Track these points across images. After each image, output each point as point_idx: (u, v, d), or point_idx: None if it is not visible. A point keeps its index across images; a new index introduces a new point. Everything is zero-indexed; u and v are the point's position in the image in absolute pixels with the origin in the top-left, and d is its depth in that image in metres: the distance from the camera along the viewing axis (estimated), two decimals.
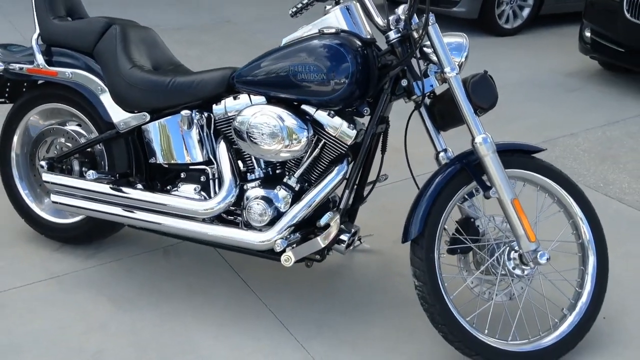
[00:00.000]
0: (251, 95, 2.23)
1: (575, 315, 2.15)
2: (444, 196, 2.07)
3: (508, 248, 2.13)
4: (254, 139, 2.14)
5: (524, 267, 2.10)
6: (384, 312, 2.39)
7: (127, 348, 2.18)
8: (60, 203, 2.47)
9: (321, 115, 2.14)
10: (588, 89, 5.04)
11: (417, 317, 2.30)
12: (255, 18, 6.95)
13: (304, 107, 2.17)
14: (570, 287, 2.23)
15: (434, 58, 2.12)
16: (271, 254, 2.24)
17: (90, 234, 2.66)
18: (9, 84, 2.68)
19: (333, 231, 2.10)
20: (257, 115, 2.13)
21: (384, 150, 2.35)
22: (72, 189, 2.43)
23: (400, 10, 2.12)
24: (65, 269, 2.58)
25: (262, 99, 2.21)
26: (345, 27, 2.13)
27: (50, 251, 2.69)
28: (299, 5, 2.37)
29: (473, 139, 2.05)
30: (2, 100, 2.71)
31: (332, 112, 2.14)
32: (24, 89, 2.67)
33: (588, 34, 5.11)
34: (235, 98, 2.26)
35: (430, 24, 2.03)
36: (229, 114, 2.26)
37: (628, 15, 4.63)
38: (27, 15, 3.20)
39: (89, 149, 2.55)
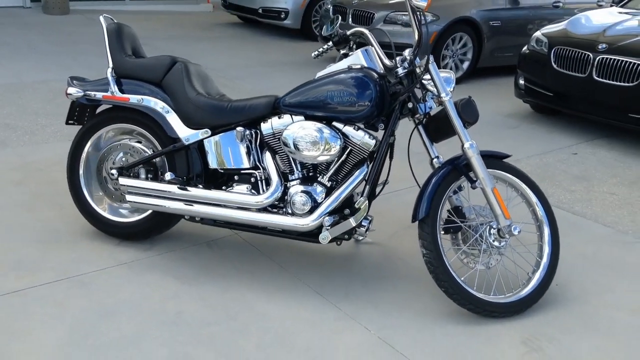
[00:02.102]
0: (292, 115, 2.93)
1: (538, 276, 2.91)
2: (441, 188, 2.82)
3: (488, 227, 2.88)
4: (300, 147, 2.83)
5: (500, 239, 2.86)
6: (393, 282, 3.08)
7: (201, 310, 2.77)
8: (135, 202, 3.07)
9: (348, 129, 2.86)
10: (524, 127, 6.00)
11: (419, 285, 3.01)
12: (227, 65, 7.68)
13: (334, 123, 2.88)
14: (532, 258, 3.00)
15: (430, 87, 2.91)
16: (308, 236, 2.92)
17: (149, 230, 3.24)
18: (77, 109, 3.28)
19: (363, 213, 2.80)
20: (302, 129, 2.83)
21: (391, 157, 3.08)
22: (146, 190, 3.04)
23: (407, 52, 2.90)
24: (130, 257, 3.15)
25: (301, 117, 2.92)
26: (366, 64, 2.89)
27: (112, 245, 3.25)
28: (320, 50, 3.18)
29: (462, 145, 2.82)
30: (72, 122, 3.30)
31: (356, 126, 2.87)
32: (86, 114, 3.27)
33: (522, 82, 6.11)
34: (279, 117, 2.95)
35: (429, 63, 2.82)
36: (275, 130, 2.95)
37: (555, 66, 5.64)
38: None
39: (153, 160, 3.16)
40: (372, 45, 3.03)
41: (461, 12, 7.45)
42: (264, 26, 10.82)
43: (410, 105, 2.90)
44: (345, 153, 2.90)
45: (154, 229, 3.24)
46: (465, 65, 7.76)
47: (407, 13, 7.31)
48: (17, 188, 3.84)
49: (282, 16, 9.68)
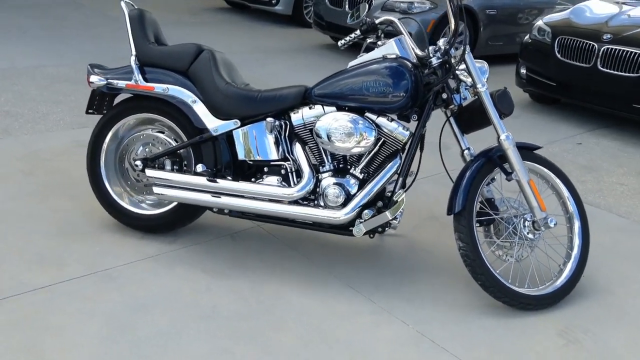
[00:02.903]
0: (324, 106, 2.88)
1: (570, 268, 2.92)
2: (476, 181, 2.81)
3: (522, 219, 2.88)
4: (334, 138, 2.78)
5: (535, 231, 2.86)
6: (421, 274, 3.07)
7: (235, 303, 2.72)
8: (163, 194, 2.99)
9: (382, 120, 2.82)
10: (525, 117, 6.03)
11: (448, 277, 3.01)
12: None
13: (367, 114, 2.84)
14: (562, 249, 3.01)
15: (462, 77, 2.88)
16: (340, 229, 2.89)
17: (173, 223, 3.17)
18: (97, 98, 3.19)
19: (400, 206, 2.77)
20: (336, 120, 2.79)
21: (422, 149, 3.05)
22: (175, 182, 2.97)
23: (441, 42, 2.87)
24: (155, 251, 3.08)
25: (333, 108, 2.87)
26: (400, 54, 2.85)
27: (136, 238, 3.17)
28: (348, 39, 3.14)
29: (498, 136, 2.80)
30: (92, 111, 3.20)
31: (389, 117, 2.83)
32: (105, 103, 3.17)
33: (524, 71, 6.12)
34: (310, 108, 2.90)
35: (466, 53, 2.79)
36: (306, 121, 2.90)
37: (559, 56, 5.67)
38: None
39: (178, 151, 3.09)
40: (403, 34, 2.99)
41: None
42: (253, 12, 10.70)
43: (444, 96, 2.87)
44: (378, 145, 2.86)
45: (179, 221, 3.17)
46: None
47: (406, 1, 7.34)
48: (27, 178, 3.73)
49: (273, 2, 9.57)
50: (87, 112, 3.20)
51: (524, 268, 2.97)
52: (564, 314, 2.84)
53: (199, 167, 2.97)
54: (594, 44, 5.38)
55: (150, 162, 3.09)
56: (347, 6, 7.66)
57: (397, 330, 2.64)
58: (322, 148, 2.90)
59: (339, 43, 3.23)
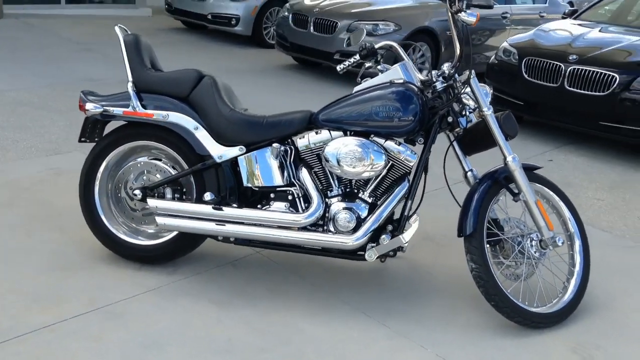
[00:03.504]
0: (330, 131, 2.86)
1: (574, 284, 2.98)
2: (485, 202, 2.83)
3: (529, 238, 2.92)
4: (345, 163, 2.76)
5: (542, 250, 2.90)
6: (428, 295, 3.07)
7: (249, 335, 2.65)
8: (166, 224, 2.90)
9: (390, 144, 2.82)
10: None
11: (456, 298, 3.02)
12: None
13: (374, 138, 2.84)
14: (565, 266, 3.06)
15: (464, 100, 2.92)
16: (350, 254, 2.86)
17: (173, 253, 3.07)
18: (90, 126, 3.07)
19: (414, 228, 2.76)
20: (346, 145, 2.77)
21: (426, 172, 3.06)
22: (179, 211, 2.88)
23: (445, 66, 2.90)
24: (156, 283, 2.97)
25: (340, 133, 2.86)
26: (405, 79, 2.86)
27: (133, 270, 3.05)
28: (347, 64, 3.14)
29: (505, 158, 2.84)
30: (84, 140, 3.08)
31: (397, 141, 2.84)
32: (97, 131, 3.06)
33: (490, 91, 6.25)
34: (317, 133, 2.88)
35: (471, 77, 2.83)
36: (312, 146, 2.87)
37: (526, 76, 5.83)
38: None
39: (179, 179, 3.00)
40: (403, 59, 3.02)
41: (420, 21, 7.59)
42: (210, 32, 10.61)
43: (450, 119, 2.89)
44: (386, 168, 2.85)
45: (179, 251, 3.08)
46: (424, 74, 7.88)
47: (370, 22, 7.42)
48: (8, 210, 3.55)
49: (232, 22, 9.52)
50: (79, 141, 3.08)
51: (532, 286, 3.00)
52: (573, 330, 2.89)
53: (207, 196, 2.89)
54: (561, 64, 5.57)
55: (149, 191, 2.99)
56: (311, 28, 7.69)
57: (417, 355, 2.62)
58: (330, 172, 2.88)
59: (338, 68, 3.22)
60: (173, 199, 3.00)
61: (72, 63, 7.24)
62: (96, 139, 3.10)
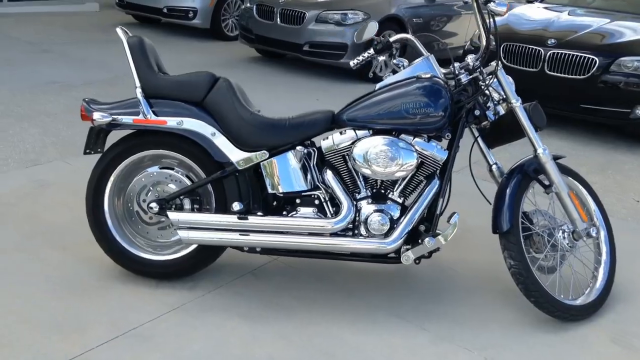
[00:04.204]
0: (356, 130, 2.74)
1: (602, 273, 2.96)
2: (517, 197, 2.78)
3: (560, 230, 2.88)
4: (377, 163, 2.65)
5: (574, 242, 2.87)
6: (458, 294, 3.00)
7: (290, 349, 2.52)
8: (190, 238, 2.72)
9: (419, 142, 2.72)
10: None
11: (488, 296, 2.97)
12: None
13: (403, 135, 2.73)
14: (591, 254, 3.04)
15: (489, 93, 2.85)
16: (385, 258, 2.76)
17: (194, 266, 2.90)
18: (94, 136, 2.86)
19: (453, 230, 2.67)
20: (376, 145, 2.65)
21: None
22: (204, 223, 2.71)
23: (470, 59, 2.82)
24: (179, 300, 2.79)
25: (366, 132, 2.74)
26: (431, 73, 2.76)
27: (151, 288, 2.86)
28: (361, 59, 3.02)
29: (535, 150, 2.79)
30: (89, 151, 2.86)
31: (425, 138, 2.74)
32: (100, 141, 2.85)
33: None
34: (341, 133, 2.75)
35: (499, 69, 2.76)
36: (338, 147, 2.74)
37: (505, 61, 5.83)
38: None
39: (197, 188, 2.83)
40: (420, 52, 2.93)
41: (388, 10, 7.51)
42: (164, 26, 10.25)
43: (477, 112, 2.82)
44: (415, 167, 2.76)
45: (200, 264, 2.90)
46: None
47: (339, 12, 7.30)
48: (0, 228, 3.29)
49: (190, 15, 9.21)
50: (85, 153, 2.86)
51: (565, 278, 2.96)
52: (607, 319, 2.88)
53: (236, 206, 2.73)
54: (540, 49, 5.59)
55: (166, 202, 2.81)
56: (278, 19, 7.50)
57: (465, 359, 2.55)
58: (357, 173, 2.76)
59: (351, 63, 3.09)
60: (192, 210, 2.83)
61: (30, 65, 6.83)
62: (99, 150, 2.89)
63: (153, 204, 2.79)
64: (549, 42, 5.58)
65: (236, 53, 8.63)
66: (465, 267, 3.26)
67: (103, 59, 7.46)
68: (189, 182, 2.85)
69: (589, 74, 5.36)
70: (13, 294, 2.74)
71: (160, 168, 2.88)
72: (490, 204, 2.95)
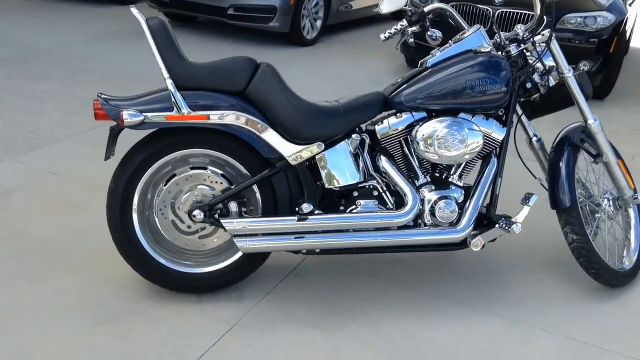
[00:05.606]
0: (412, 112, 2.55)
1: (635, 235, 2.98)
2: (572, 170, 2.72)
3: (605, 198, 2.89)
4: (445, 146, 2.47)
5: (618, 208, 2.89)
6: (509, 273, 2.93)
7: (378, 355, 2.33)
8: (251, 247, 2.41)
9: (480, 120, 2.57)
10: None
11: (530, 270, 2.95)
12: (62, 43, 6.40)
13: (462, 115, 2.57)
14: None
15: (534, 63, 2.74)
16: (452, 245, 2.62)
17: (242, 274, 2.60)
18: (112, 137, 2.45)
19: (527, 208, 2.57)
20: (444, 126, 2.47)
21: None
22: (264, 228, 2.41)
23: (520, 29, 2.69)
24: (233, 315, 2.50)
25: (423, 113, 2.55)
26: (487, 46, 2.61)
27: (195, 305, 2.53)
28: (392, 31, 2.82)
29: (586, 121, 2.74)
30: (110, 156, 2.45)
31: (485, 116, 2.60)
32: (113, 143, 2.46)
33: (412, 39, 6.14)
34: (397, 117, 2.54)
35: (552, 38, 2.66)
36: (394, 131, 2.54)
37: None
38: None
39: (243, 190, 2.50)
40: (457, 23, 2.78)
41: None
42: None
43: (528, 85, 2.71)
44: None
45: (248, 271, 2.61)
46: (319, 23, 7.59)
47: None
48: None
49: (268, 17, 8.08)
50: (106, 159, 2.44)
51: (610, 245, 2.98)
52: None
53: (305, 207, 2.44)
54: (488, 8, 5.60)
55: (211, 208, 2.47)
56: None
57: (548, 341, 2.50)
58: (420, 158, 2.57)
59: (382, 36, 2.87)
60: (240, 213, 2.51)
61: None
62: (113, 153, 2.49)
63: (196, 212, 2.44)
64: (496, 0, 5.59)
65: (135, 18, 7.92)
66: (499, 244, 3.18)
67: (6, 36, 6.58)
68: (226, 183, 2.52)
69: None
70: (41, 335, 2.30)
71: (192, 169, 2.52)
72: (536, 177, 2.89)
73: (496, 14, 5.58)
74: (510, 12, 5.54)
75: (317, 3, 7.39)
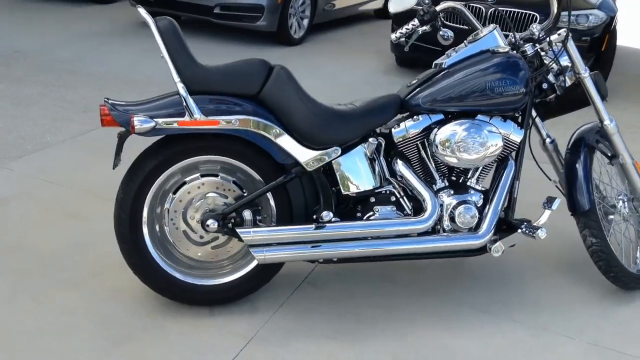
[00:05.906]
0: (430, 115, 2.47)
1: None
2: (589, 173, 2.67)
3: (620, 200, 2.84)
4: (465, 150, 2.40)
5: (633, 210, 2.85)
6: (524, 277, 2.88)
7: None
8: (268, 257, 2.31)
9: (498, 122, 2.50)
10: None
11: (544, 275, 2.92)
12: (45, 46, 6.21)
13: (479, 117, 2.50)
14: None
15: (551, 63, 2.68)
16: (471, 252, 2.55)
17: (256, 284, 2.50)
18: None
19: (548, 212, 2.51)
20: (463, 130, 2.40)
21: None
22: (282, 238, 2.32)
23: (536, 28, 2.63)
24: (249, 328, 2.40)
25: (440, 116, 2.48)
26: (504, 46, 2.54)
27: (208, 319, 2.43)
28: (404, 31, 2.75)
29: (603, 122, 2.69)
30: (116, 164, 2.34)
31: (502, 118, 2.53)
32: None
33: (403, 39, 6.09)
34: (415, 120, 2.46)
35: (569, 38, 2.60)
36: (411, 134, 2.46)
37: (444, 20, 5.74)
38: None
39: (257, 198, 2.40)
40: (469, 22, 2.72)
41: None
42: None
43: (544, 85, 2.65)
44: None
45: (262, 281, 2.52)
46: (306, 22, 7.49)
47: None
48: None
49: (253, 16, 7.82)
50: (115, 167, 2.32)
51: (625, 248, 2.94)
52: None
53: (325, 215, 2.35)
54: (481, 7, 5.56)
55: (225, 217, 2.36)
56: None
57: (571, 348, 2.45)
58: (439, 162, 2.50)
59: (393, 37, 2.80)
60: (254, 222, 2.41)
61: None
62: (120, 161, 2.38)
63: (210, 221, 2.34)
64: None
65: (121, 17, 7.75)
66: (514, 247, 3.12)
67: None
68: (238, 190, 2.43)
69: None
70: (55, 358, 2.18)
71: (202, 175, 2.42)
72: (551, 180, 2.85)
73: (489, 12, 5.54)
74: (503, 10, 5.50)
75: (304, 2, 7.30)
